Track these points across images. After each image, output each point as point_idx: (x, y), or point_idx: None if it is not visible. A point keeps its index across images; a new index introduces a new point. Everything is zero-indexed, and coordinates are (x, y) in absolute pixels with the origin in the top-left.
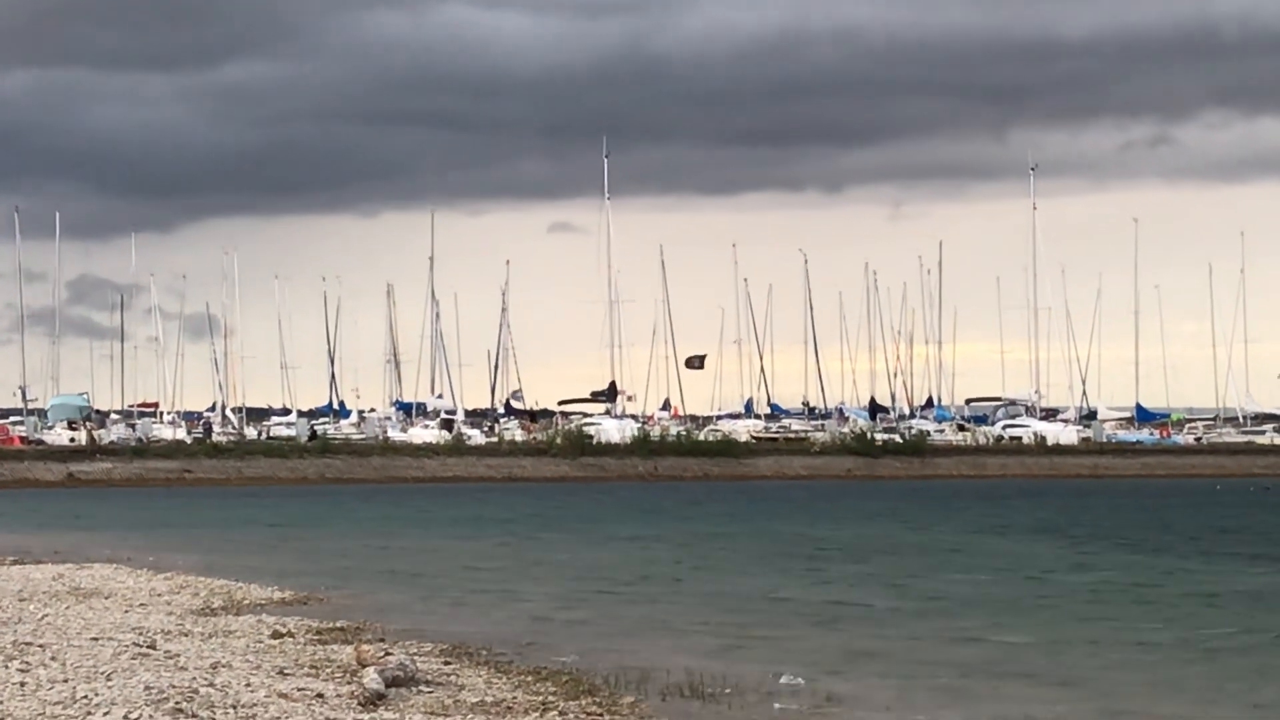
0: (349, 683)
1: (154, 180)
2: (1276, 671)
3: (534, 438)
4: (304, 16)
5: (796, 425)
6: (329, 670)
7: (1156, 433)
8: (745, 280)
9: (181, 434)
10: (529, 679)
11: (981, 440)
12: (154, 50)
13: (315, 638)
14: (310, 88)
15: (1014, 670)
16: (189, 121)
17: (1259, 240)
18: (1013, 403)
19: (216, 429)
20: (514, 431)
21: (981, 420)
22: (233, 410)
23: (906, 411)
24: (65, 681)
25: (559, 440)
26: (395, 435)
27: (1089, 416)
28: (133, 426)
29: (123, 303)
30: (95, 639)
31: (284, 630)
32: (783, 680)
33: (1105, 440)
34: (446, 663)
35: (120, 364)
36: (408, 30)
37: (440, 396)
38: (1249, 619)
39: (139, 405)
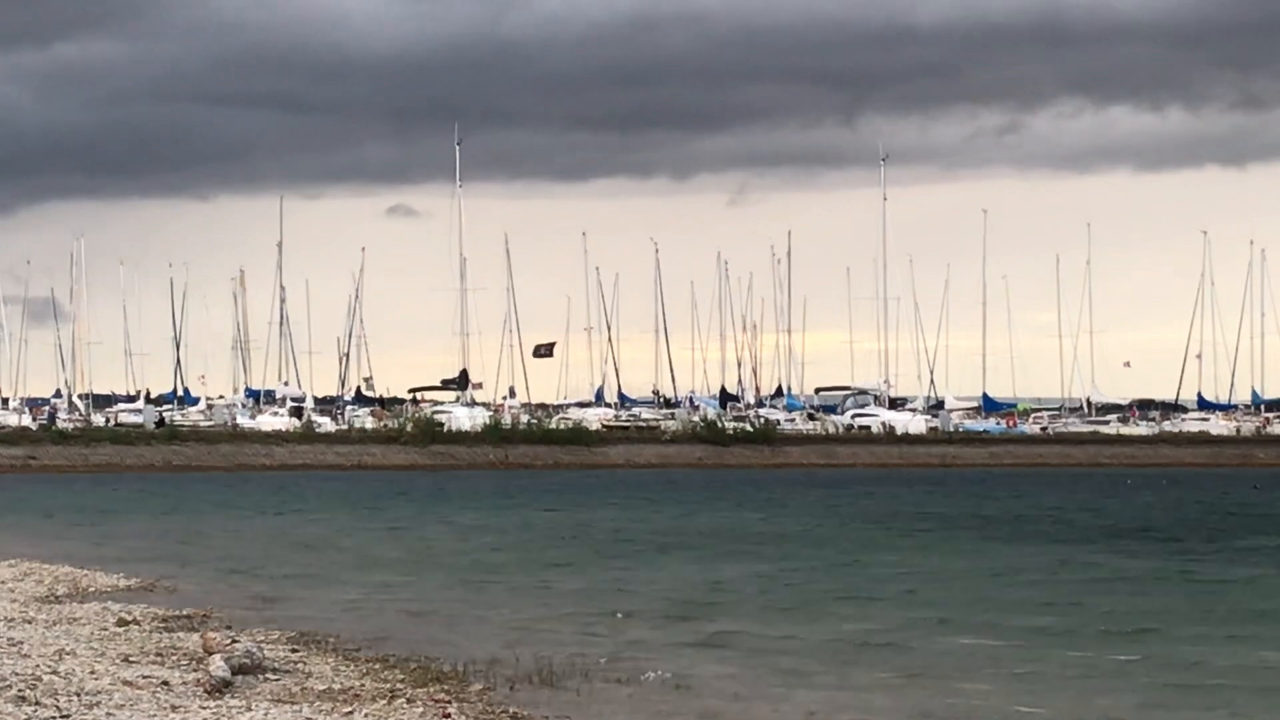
0: (195, 670)
1: None
2: None
3: (384, 425)
4: None
5: (647, 414)
6: (175, 658)
7: (1003, 422)
8: (597, 269)
9: (26, 420)
10: (377, 666)
11: (831, 429)
12: None
13: (161, 625)
14: (150, 67)
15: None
16: (24, 101)
17: (1106, 231)
18: (862, 392)
19: (62, 416)
20: (364, 419)
21: (831, 409)
22: (79, 397)
23: (755, 400)
24: None
25: (409, 428)
26: (245, 422)
27: (936, 406)
28: None
29: None
30: None
31: (130, 618)
32: (646, 676)
33: (953, 430)
34: (294, 650)
35: None
36: (251, 9)
37: (287, 384)
38: None
39: None
